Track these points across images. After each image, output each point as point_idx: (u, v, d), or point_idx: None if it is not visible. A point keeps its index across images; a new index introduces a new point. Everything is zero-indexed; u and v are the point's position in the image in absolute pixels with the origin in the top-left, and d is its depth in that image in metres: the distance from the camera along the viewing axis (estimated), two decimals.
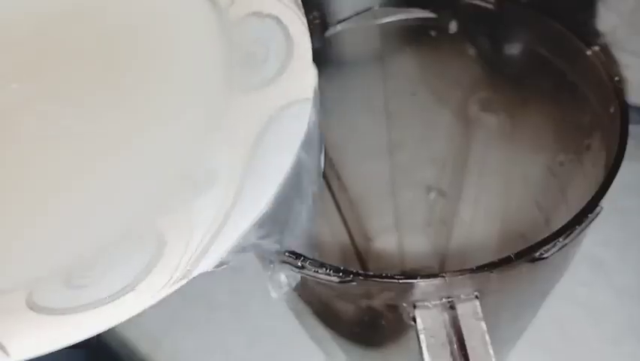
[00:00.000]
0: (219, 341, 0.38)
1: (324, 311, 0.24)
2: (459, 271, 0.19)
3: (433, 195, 0.37)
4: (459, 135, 0.34)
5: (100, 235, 0.18)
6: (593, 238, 0.40)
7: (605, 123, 0.23)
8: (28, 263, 0.18)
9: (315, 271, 0.20)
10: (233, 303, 0.39)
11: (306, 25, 0.20)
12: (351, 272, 0.19)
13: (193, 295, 0.40)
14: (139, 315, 0.40)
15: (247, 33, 0.20)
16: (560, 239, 0.19)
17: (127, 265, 0.17)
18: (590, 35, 0.23)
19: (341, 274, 0.20)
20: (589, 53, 0.24)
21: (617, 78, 0.23)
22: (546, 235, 0.20)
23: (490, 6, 0.27)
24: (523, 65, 0.28)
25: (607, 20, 0.44)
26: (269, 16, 0.20)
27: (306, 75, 0.19)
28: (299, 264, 0.20)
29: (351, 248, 0.37)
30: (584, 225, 0.20)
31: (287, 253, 0.20)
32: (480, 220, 0.35)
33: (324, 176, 0.34)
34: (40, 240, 0.18)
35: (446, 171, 0.36)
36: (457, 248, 0.37)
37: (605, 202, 0.42)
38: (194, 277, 0.17)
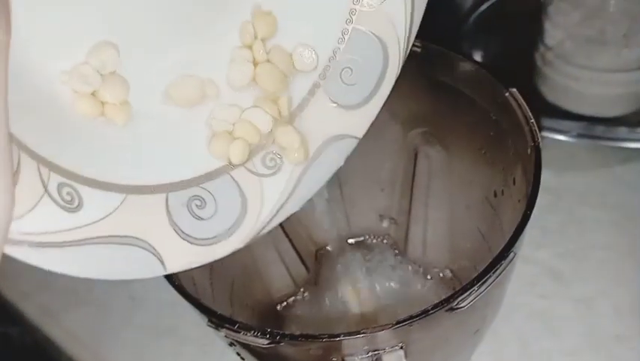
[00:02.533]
0: None
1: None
2: (380, 326, 0.20)
3: (385, 222, 0.38)
4: (403, 165, 0.34)
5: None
6: (551, 250, 0.41)
7: (525, 161, 0.24)
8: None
9: (243, 334, 0.20)
10: (200, 337, 0.40)
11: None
12: (279, 334, 0.20)
13: (162, 329, 0.40)
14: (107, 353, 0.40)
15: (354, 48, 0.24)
16: (475, 288, 0.20)
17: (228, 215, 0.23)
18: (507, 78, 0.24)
19: (268, 336, 0.20)
20: (507, 94, 0.25)
21: (532, 120, 0.24)
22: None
23: (417, 49, 0.27)
24: (452, 103, 0.29)
25: (554, 35, 0.45)
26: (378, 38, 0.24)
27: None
28: (229, 328, 0.21)
29: (305, 273, 0.37)
30: (498, 272, 0.20)
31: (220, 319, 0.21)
32: (430, 246, 0.36)
33: None
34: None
35: (395, 199, 0.37)
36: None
37: (561, 214, 0.43)
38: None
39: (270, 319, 0.35)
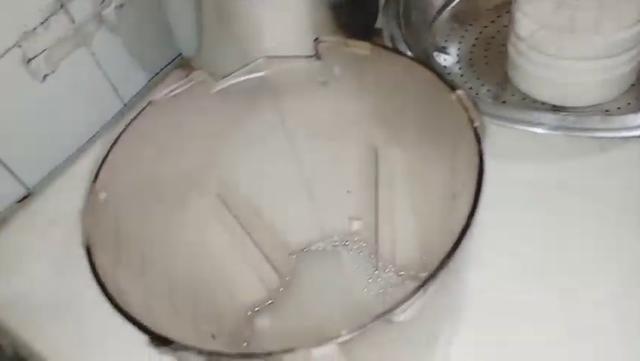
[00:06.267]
0: None
1: None
2: (318, 342, 0.20)
3: (355, 224, 0.38)
4: (366, 167, 0.34)
5: None
6: (532, 242, 0.40)
7: (471, 166, 0.24)
8: None
9: (181, 354, 0.20)
10: None
11: None
12: (215, 353, 0.20)
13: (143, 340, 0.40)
14: None
15: None
16: (411, 301, 0.20)
17: None
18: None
19: (206, 355, 0.20)
20: (453, 97, 0.24)
21: (477, 124, 0.23)
22: None
23: (366, 52, 0.27)
24: (405, 104, 0.28)
25: (525, 26, 0.45)
26: None
27: None
28: (170, 348, 0.21)
29: (276, 278, 0.37)
30: (432, 288, 0.20)
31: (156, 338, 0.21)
32: (399, 245, 0.36)
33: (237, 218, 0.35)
34: None
35: (361, 200, 0.36)
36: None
37: (541, 203, 0.42)
38: None
39: (240, 326, 0.35)
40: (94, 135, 0.54)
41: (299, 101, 0.32)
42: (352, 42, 0.27)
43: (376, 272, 0.37)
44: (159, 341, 0.20)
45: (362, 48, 0.27)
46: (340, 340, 0.20)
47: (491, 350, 0.36)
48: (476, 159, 0.22)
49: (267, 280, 0.37)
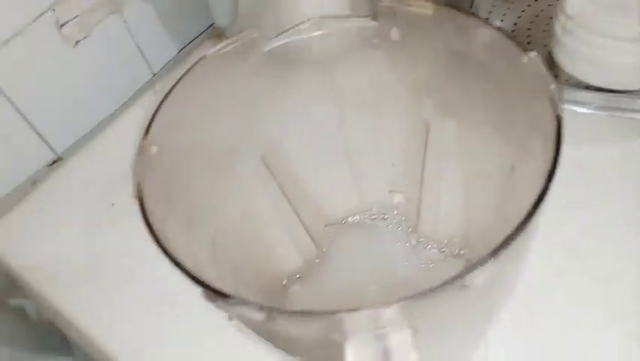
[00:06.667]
0: (202, 354, 0.37)
1: (265, 336, 0.24)
2: (383, 303, 0.19)
3: (396, 198, 0.37)
4: (415, 138, 0.33)
5: None
6: (568, 225, 0.39)
7: (544, 131, 0.22)
8: None
9: (240, 308, 0.19)
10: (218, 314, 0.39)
11: None
12: (276, 309, 0.19)
13: (175, 307, 0.39)
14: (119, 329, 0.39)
15: None
16: (488, 264, 0.19)
17: None
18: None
19: (265, 311, 0.19)
20: (525, 60, 0.23)
21: (553, 86, 0.22)
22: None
23: (429, 12, 0.26)
24: (466, 70, 0.27)
25: (574, 2, 0.43)
26: None
27: None
28: (228, 302, 0.20)
29: (313, 248, 0.36)
30: (513, 248, 0.19)
31: (214, 292, 0.20)
32: (443, 221, 0.35)
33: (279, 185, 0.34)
34: None
35: (406, 173, 0.35)
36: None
37: (579, 188, 0.41)
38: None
39: (276, 293, 0.34)
40: (123, 104, 0.54)
41: (349, 66, 0.31)
42: (414, 1, 0.26)
43: (416, 248, 0.36)
44: (217, 294, 0.19)
45: (425, 8, 0.26)
46: (408, 302, 0.19)
47: (524, 334, 0.35)
48: (554, 122, 0.21)
49: (303, 250, 0.36)
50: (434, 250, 0.36)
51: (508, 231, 0.28)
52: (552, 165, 0.20)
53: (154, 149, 0.25)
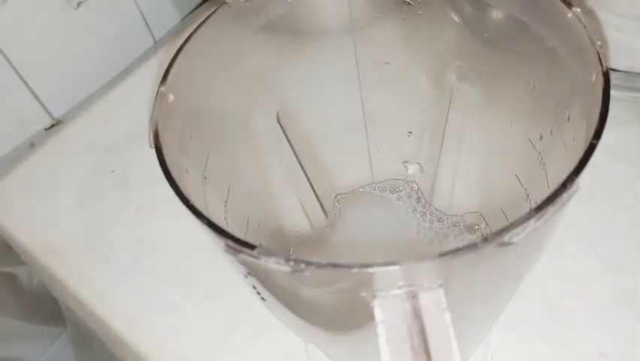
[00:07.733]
0: (195, 321, 0.37)
1: (284, 298, 0.23)
2: (419, 258, 0.18)
3: (411, 169, 0.36)
4: (435, 106, 0.32)
5: None
6: (579, 208, 0.38)
7: (586, 92, 0.21)
8: None
9: (264, 260, 0.18)
10: (209, 282, 0.38)
11: None
12: (304, 261, 0.18)
13: (169, 274, 0.38)
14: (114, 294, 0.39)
15: None
16: (531, 222, 0.18)
17: None
18: None
19: (292, 263, 0.18)
20: (570, 15, 0.22)
21: (599, 42, 0.21)
22: (526, 211, 0.18)
23: None
24: (500, 30, 0.26)
25: None
26: None
27: None
28: (252, 253, 0.18)
29: (323, 217, 0.35)
30: (557, 206, 0.18)
31: (237, 242, 0.19)
32: (458, 194, 0.34)
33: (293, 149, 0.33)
34: None
35: (423, 144, 0.34)
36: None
37: (592, 171, 0.40)
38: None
39: None
40: (123, 71, 0.53)
41: (376, 25, 0.29)
42: None
43: (430, 221, 0.35)
44: (242, 245, 0.18)
45: None
46: (445, 257, 0.18)
47: (535, 315, 0.34)
48: (601, 81, 0.20)
49: (313, 218, 0.35)
50: (448, 224, 0.35)
51: (534, 202, 0.27)
52: (600, 122, 0.18)
53: (171, 97, 0.23)
